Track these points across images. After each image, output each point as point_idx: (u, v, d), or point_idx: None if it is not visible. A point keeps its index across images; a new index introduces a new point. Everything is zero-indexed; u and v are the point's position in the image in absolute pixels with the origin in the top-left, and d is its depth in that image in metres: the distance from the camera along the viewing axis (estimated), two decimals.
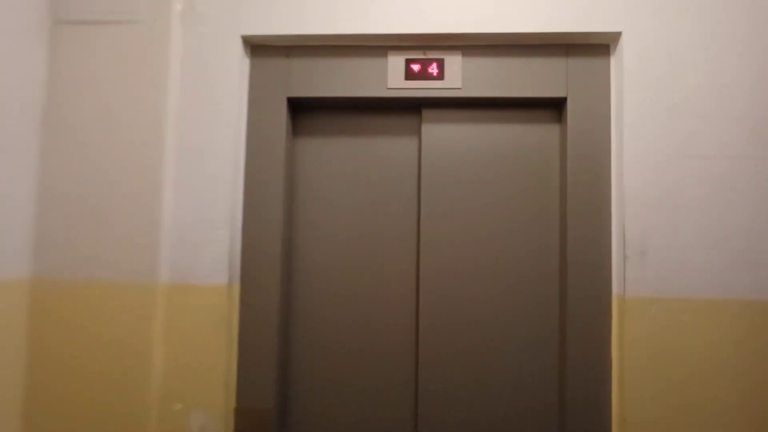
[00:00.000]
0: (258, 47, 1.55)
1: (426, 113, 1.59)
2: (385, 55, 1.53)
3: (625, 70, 1.41)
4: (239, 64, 1.50)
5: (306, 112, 1.64)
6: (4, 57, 1.33)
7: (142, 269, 1.43)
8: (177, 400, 1.44)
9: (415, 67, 1.52)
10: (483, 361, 1.53)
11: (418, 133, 1.61)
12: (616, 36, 1.44)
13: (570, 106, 1.49)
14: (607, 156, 1.47)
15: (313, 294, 1.61)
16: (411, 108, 1.61)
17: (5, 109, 1.34)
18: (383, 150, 1.63)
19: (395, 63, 1.52)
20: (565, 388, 1.45)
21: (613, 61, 1.48)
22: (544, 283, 1.54)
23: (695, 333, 1.36)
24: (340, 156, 1.63)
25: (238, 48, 1.49)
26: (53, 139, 1.46)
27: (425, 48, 1.53)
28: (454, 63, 1.51)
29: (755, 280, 1.34)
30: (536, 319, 1.54)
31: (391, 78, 1.52)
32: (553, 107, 1.57)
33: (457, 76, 1.51)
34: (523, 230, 1.56)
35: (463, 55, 1.52)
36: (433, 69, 1.51)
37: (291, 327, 1.60)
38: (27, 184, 1.42)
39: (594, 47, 1.49)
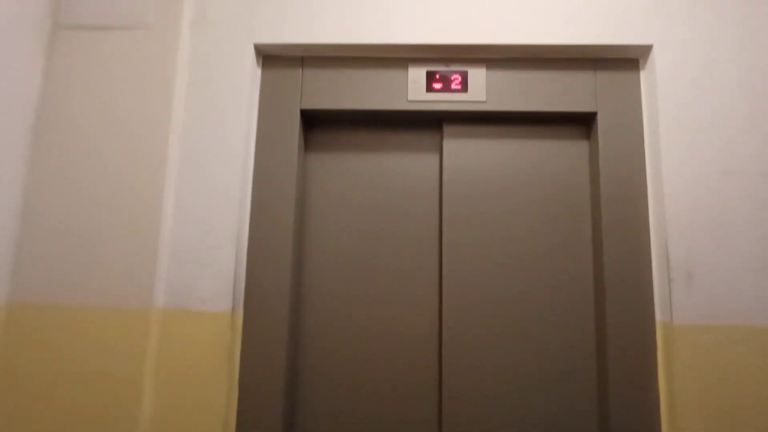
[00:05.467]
0: (270, 57, 1.47)
1: (448, 128, 1.50)
2: (406, 66, 1.46)
3: (658, 84, 1.35)
4: (250, 74, 1.41)
5: (320, 125, 1.54)
6: None
7: (135, 292, 1.27)
8: None
9: (437, 79, 1.44)
10: (515, 400, 1.37)
11: (440, 149, 1.52)
12: (647, 49, 1.39)
13: (600, 121, 1.41)
14: (641, 173, 1.38)
15: (324, 326, 1.45)
16: (432, 122, 1.53)
17: None
18: (402, 167, 1.53)
19: (416, 75, 1.45)
20: (609, 425, 1.29)
21: (644, 75, 1.42)
22: (579, 311, 1.41)
23: (754, 364, 1.22)
24: (356, 173, 1.53)
25: (250, 57, 1.41)
26: (44, 150, 1.33)
27: (448, 60, 1.46)
28: (477, 75, 1.44)
29: None
30: (572, 350, 1.39)
31: (412, 90, 1.44)
32: (582, 123, 1.49)
33: (481, 89, 1.43)
34: (554, 254, 1.44)
35: (488, 67, 1.45)
36: (456, 81, 1.44)
37: (300, 362, 1.43)
38: (11, 198, 1.28)
39: (624, 61, 1.43)
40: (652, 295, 1.33)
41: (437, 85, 1.44)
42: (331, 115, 1.49)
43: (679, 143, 1.31)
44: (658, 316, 1.31)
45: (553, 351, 1.39)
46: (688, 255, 1.27)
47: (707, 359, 1.23)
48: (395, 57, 1.46)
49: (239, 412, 1.31)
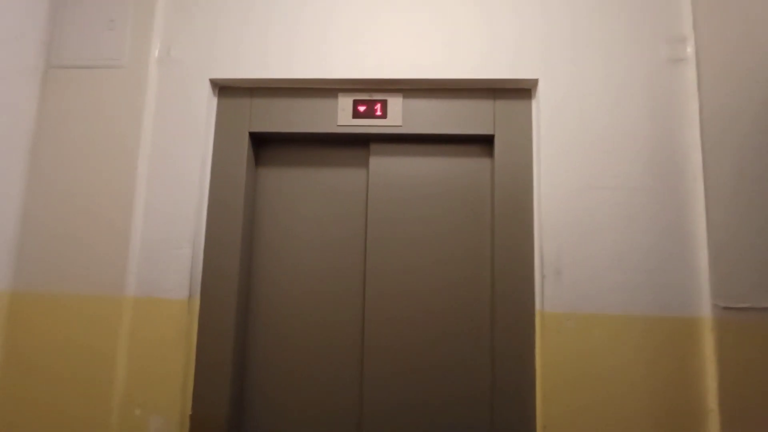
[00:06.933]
0: (224, 88, 1.76)
1: (373, 147, 1.78)
2: (336, 96, 1.74)
3: (542, 111, 1.61)
4: (207, 102, 1.71)
5: (266, 145, 1.84)
6: (0, 95, 1.55)
7: (112, 283, 1.59)
8: (137, 406, 1.56)
9: (362, 107, 1.72)
10: (423, 371, 1.67)
11: (367, 165, 1.80)
12: (534, 82, 1.65)
13: (497, 142, 1.68)
14: (529, 186, 1.65)
15: (267, 310, 1.76)
16: (360, 143, 1.81)
17: None
18: (335, 179, 1.82)
19: (344, 103, 1.73)
20: (495, 395, 1.58)
21: (534, 103, 1.68)
22: (477, 301, 1.69)
23: (608, 346, 1.49)
24: (298, 184, 1.82)
25: (207, 89, 1.71)
26: (39, 168, 1.65)
27: (371, 90, 1.74)
28: (395, 104, 1.72)
29: (657, 298, 1.49)
30: (470, 333, 1.68)
31: (341, 116, 1.73)
32: (484, 143, 1.76)
33: (398, 115, 1.71)
34: (459, 253, 1.72)
35: (404, 96, 1.73)
36: (378, 109, 1.72)
37: (246, 340, 1.74)
38: (12, 207, 1.60)
39: (518, 91, 1.70)
40: (533, 288, 1.60)
41: (362, 112, 1.72)
42: (275, 136, 1.78)
43: (556, 163, 1.58)
44: (537, 306, 1.58)
45: (455, 335, 1.68)
46: (558, 255, 1.54)
47: (570, 341, 1.51)
48: (327, 88, 1.74)
49: (195, 380, 1.62)
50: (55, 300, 1.59)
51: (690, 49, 1.58)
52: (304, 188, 1.81)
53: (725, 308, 1.41)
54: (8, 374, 1.56)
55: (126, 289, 1.59)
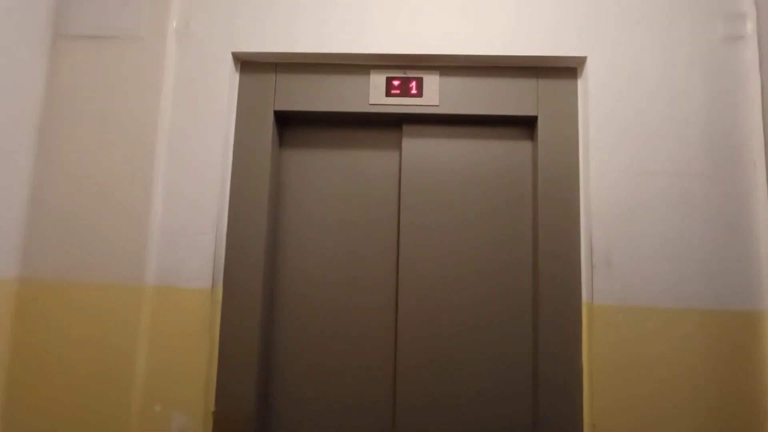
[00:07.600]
0: (247, 63, 1.64)
1: (406, 128, 1.67)
2: (368, 73, 1.62)
3: (590, 91, 1.51)
4: (229, 78, 1.58)
5: (292, 125, 1.72)
6: (5, 67, 1.41)
7: (130, 272, 1.48)
8: (158, 401, 1.46)
9: (396, 85, 1.61)
10: (460, 366, 1.58)
11: (399, 147, 1.70)
12: (582, 60, 1.54)
13: (540, 124, 1.58)
14: (575, 171, 1.55)
15: (295, 300, 1.66)
16: (392, 123, 1.70)
17: (3, 116, 1.41)
18: (365, 162, 1.71)
19: (377, 81, 1.62)
20: (538, 392, 1.50)
21: (580, 83, 1.58)
22: (518, 291, 1.60)
23: (662, 341, 1.41)
24: (325, 167, 1.71)
25: (229, 64, 1.58)
26: (49, 146, 1.53)
27: (405, 67, 1.62)
28: (432, 82, 1.61)
29: (714, 291, 1.41)
30: (511, 326, 1.59)
31: (373, 95, 1.61)
32: (525, 125, 1.66)
33: (435, 94, 1.60)
34: (498, 240, 1.63)
35: (441, 74, 1.61)
36: (413, 87, 1.61)
37: (272, 332, 1.64)
38: (20, 188, 1.48)
39: (562, 70, 1.59)
40: (580, 279, 1.51)
41: (396, 91, 1.61)
42: (301, 115, 1.67)
43: (605, 147, 1.48)
44: (584, 298, 1.50)
45: (494, 327, 1.59)
46: (608, 245, 1.45)
47: (621, 335, 1.42)
48: (358, 64, 1.62)
49: (219, 374, 1.52)
50: (66, 289, 1.48)
51: (750, 26, 1.48)
52: (332, 171, 1.70)
53: None
54: (18, 367, 1.45)
55: (145, 277, 1.48)
